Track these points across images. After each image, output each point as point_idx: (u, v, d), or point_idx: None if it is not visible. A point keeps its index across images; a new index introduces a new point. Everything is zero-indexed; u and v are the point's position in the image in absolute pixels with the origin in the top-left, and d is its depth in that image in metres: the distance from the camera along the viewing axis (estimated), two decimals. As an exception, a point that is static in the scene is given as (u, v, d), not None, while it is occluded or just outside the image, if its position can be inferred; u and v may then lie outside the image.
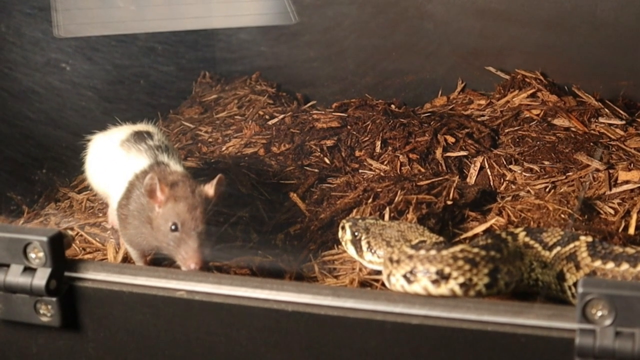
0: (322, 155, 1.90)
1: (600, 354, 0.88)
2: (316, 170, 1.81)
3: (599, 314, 0.89)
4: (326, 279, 1.29)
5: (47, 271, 1.09)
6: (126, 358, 1.13)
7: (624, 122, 1.91)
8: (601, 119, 1.93)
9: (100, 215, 1.64)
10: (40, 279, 1.09)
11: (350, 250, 1.29)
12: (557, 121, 1.94)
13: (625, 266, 1.10)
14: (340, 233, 1.32)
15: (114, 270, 1.11)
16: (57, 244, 1.10)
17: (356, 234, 1.28)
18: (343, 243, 1.31)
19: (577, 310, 0.89)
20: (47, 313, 1.11)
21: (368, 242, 1.26)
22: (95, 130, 1.55)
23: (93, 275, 1.11)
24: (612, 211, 1.48)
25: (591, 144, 1.79)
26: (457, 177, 1.67)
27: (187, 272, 1.12)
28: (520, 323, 0.93)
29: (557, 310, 0.93)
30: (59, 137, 1.76)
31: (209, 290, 1.06)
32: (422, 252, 1.10)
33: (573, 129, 1.89)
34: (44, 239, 1.08)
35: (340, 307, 1.00)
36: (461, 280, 1.08)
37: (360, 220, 1.31)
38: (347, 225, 1.30)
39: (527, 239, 1.20)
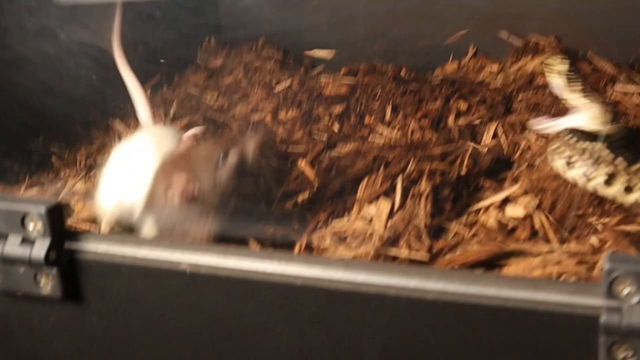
0: (330, 122, 1.85)
1: (626, 332, 0.83)
2: (325, 138, 1.76)
3: (626, 290, 0.84)
4: (337, 250, 1.24)
5: (46, 242, 1.05)
6: (131, 330, 1.09)
7: (640, 89, 1.86)
8: (617, 87, 1.87)
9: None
10: (39, 249, 1.05)
11: (556, 81, 1.35)
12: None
13: None
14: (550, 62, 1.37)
15: (115, 242, 1.07)
16: (56, 214, 1.06)
17: (572, 71, 1.35)
18: (552, 72, 1.36)
19: (602, 286, 0.84)
20: (47, 284, 1.07)
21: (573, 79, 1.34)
22: (94, 99, 1.51)
23: (94, 247, 1.07)
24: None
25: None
26: (471, 144, 1.62)
27: (191, 244, 1.07)
28: (542, 299, 0.88)
29: (580, 286, 0.89)
30: (56, 106, 1.72)
31: (214, 262, 1.02)
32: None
33: (589, 96, 1.83)
34: (42, 209, 1.04)
35: (351, 281, 0.96)
36: None
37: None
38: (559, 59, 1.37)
39: None
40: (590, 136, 1.34)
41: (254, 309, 1.01)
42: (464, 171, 1.44)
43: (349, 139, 1.75)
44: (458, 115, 1.78)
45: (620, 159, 1.28)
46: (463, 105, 1.82)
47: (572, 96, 1.35)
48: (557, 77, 1.37)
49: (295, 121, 1.86)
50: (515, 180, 1.42)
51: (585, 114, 1.39)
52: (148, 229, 1.27)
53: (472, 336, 0.92)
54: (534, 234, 1.25)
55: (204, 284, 1.03)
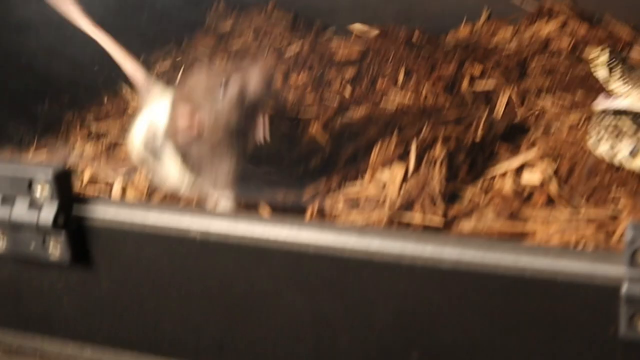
0: (342, 87, 1.82)
1: (649, 303, 0.81)
2: (336, 102, 1.73)
3: (650, 260, 0.82)
4: (350, 216, 1.22)
5: (54, 206, 1.03)
6: (141, 296, 1.08)
7: (658, 52, 1.82)
8: (633, 52, 1.84)
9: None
10: (47, 213, 1.03)
11: (601, 73, 1.34)
12: (588, 52, 1.85)
13: None
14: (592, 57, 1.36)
15: (124, 207, 1.06)
16: (64, 179, 1.04)
17: (612, 60, 1.33)
18: (596, 67, 1.35)
19: (625, 255, 0.82)
20: (56, 250, 1.06)
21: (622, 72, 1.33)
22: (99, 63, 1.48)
23: (102, 212, 1.05)
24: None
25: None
26: (486, 109, 1.59)
27: (201, 210, 1.05)
28: (561, 268, 0.86)
29: (601, 255, 0.86)
30: (61, 69, 1.69)
31: (224, 229, 1.00)
32: None
33: (605, 62, 1.79)
34: (50, 174, 1.02)
35: (365, 249, 0.94)
36: None
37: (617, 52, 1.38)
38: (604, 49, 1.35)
39: None
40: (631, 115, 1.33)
41: (265, 276, 1.00)
42: (479, 136, 1.41)
43: (361, 104, 1.72)
44: (472, 79, 1.75)
45: None
46: (477, 70, 1.79)
47: (615, 85, 1.34)
48: (601, 70, 1.36)
49: (306, 85, 1.83)
50: (531, 146, 1.39)
51: (630, 100, 1.38)
52: (169, 161, 1.27)
53: (489, 306, 0.90)
54: (550, 201, 1.22)
55: (214, 250, 1.01)
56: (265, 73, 1.23)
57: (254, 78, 1.22)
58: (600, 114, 1.34)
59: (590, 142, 1.33)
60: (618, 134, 1.29)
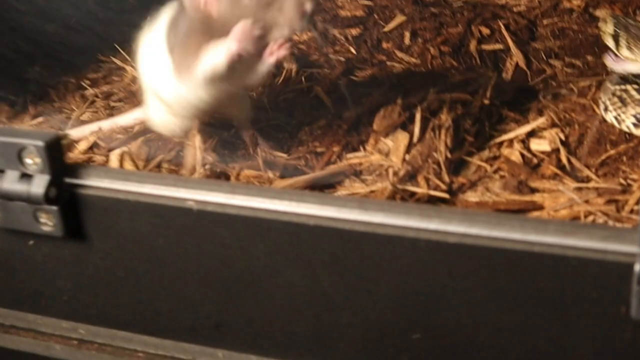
0: (347, 46, 1.77)
1: (663, 282, 0.78)
2: (341, 61, 1.68)
3: (664, 237, 0.78)
4: (352, 186, 1.18)
5: (45, 178, 0.99)
6: (136, 270, 1.04)
7: (672, 13, 1.77)
8: (646, 13, 1.79)
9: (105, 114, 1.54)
10: (38, 186, 0.99)
11: (609, 42, 1.35)
12: (600, 13, 1.79)
13: None
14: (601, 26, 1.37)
15: (118, 177, 1.02)
16: (55, 148, 1.00)
17: (617, 30, 1.34)
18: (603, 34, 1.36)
19: (639, 232, 0.78)
20: (48, 222, 1.02)
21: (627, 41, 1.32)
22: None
23: (96, 182, 1.01)
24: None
25: (638, 37, 1.64)
26: (494, 72, 1.54)
27: (197, 180, 1.02)
28: (572, 244, 0.82)
29: (614, 231, 0.83)
30: (52, 31, 1.64)
31: (221, 200, 0.96)
32: None
33: (618, 21, 1.74)
34: (40, 143, 0.98)
35: (367, 222, 0.90)
36: None
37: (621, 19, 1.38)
38: (609, 19, 1.36)
39: None
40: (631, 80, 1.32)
41: (264, 249, 0.96)
42: (486, 101, 1.37)
43: (366, 64, 1.67)
44: (480, 41, 1.70)
45: None
46: (485, 30, 1.73)
47: (624, 53, 1.32)
48: (608, 39, 1.35)
49: (310, 43, 1.78)
50: (540, 112, 1.35)
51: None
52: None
53: (495, 282, 0.87)
54: (560, 169, 1.18)
55: (211, 222, 0.97)
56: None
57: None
58: (610, 80, 1.31)
59: (601, 109, 1.29)
60: (623, 102, 1.26)
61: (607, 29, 1.35)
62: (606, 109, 1.29)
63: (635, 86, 1.28)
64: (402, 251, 0.89)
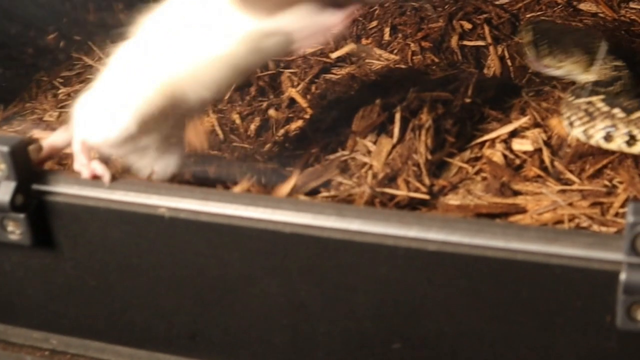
0: (324, 43, 1.73)
1: (650, 291, 0.76)
2: (318, 60, 1.65)
3: (651, 246, 0.75)
4: (329, 191, 1.15)
5: (11, 185, 0.96)
6: (108, 279, 1.02)
7: (657, 7, 1.74)
8: (632, 4, 1.76)
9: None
10: (3, 193, 0.96)
11: (530, 53, 1.37)
12: (584, 6, 1.76)
13: None
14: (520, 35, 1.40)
15: (88, 184, 0.99)
16: (21, 154, 0.97)
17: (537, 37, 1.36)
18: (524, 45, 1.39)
19: (625, 241, 0.76)
20: (15, 230, 0.99)
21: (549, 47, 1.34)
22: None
23: (64, 189, 0.99)
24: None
25: (622, 32, 1.62)
26: (476, 69, 1.51)
27: (169, 186, 0.98)
28: (555, 252, 0.80)
29: (599, 238, 0.80)
30: (23, 27, 1.60)
31: (194, 207, 0.94)
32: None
33: (601, 15, 1.71)
34: (5, 149, 0.95)
35: (345, 230, 0.88)
36: None
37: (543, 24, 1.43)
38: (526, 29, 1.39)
39: None
40: (593, 91, 1.25)
41: (239, 258, 0.93)
42: (468, 100, 1.34)
43: (345, 62, 1.64)
44: (462, 36, 1.67)
45: (617, 110, 1.18)
46: (467, 25, 1.70)
47: (547, 61, 1.36)
48: (529, 49, 1.40)
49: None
50: (522, 110, 1.32)
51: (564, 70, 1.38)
52: None
53: (477, 291, 0.84)
54: (543, 170, 1.16)
55: (184, 229, 0.95)
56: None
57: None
58: (573, 92, 1.26)
59: (565, 124, 1.24)
60: (590, 118, 1.20)
61: (526, 37, 1.36)
62: (571, 125, 1.22)
63: (601, 96, 1.22)
64: (380, 259, 0.87)
